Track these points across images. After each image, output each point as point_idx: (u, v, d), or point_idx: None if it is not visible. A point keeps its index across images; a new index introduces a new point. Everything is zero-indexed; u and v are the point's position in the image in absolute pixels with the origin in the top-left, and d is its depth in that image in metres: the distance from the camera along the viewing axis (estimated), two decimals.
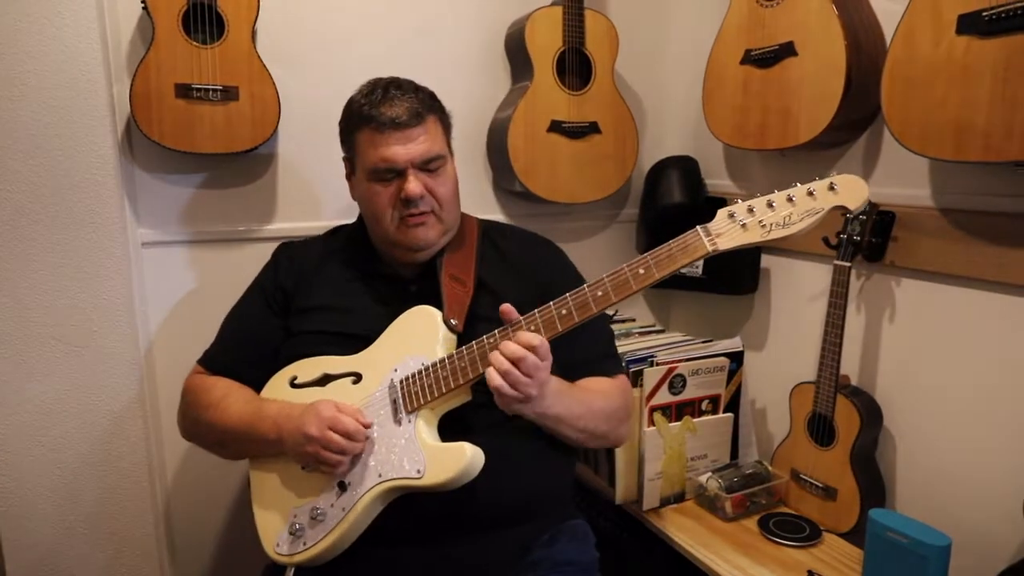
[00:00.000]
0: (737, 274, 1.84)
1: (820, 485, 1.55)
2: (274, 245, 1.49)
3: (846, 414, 1.49)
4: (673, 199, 1.93)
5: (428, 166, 1.29)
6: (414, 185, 1.26)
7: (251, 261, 1.66)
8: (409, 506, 1.18)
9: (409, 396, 1.19)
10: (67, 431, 1.52)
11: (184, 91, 1.48)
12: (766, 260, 1.83)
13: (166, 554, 1.68)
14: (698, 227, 1.06)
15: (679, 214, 1.94)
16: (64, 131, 1.43)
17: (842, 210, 1.02)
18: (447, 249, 1.36)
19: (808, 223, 1.01)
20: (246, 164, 1.68)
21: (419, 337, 1.24)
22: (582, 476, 1.74)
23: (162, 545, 1.66)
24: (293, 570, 1.20)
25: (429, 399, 1.18)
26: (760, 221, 1.03)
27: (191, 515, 1.76)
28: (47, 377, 1.49)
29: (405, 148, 1.26)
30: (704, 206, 1.95)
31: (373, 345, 1.29)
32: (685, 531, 1.56)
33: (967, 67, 1.20)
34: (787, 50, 1.53)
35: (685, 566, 1.50)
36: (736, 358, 1.71)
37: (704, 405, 1.69)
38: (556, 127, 1.81)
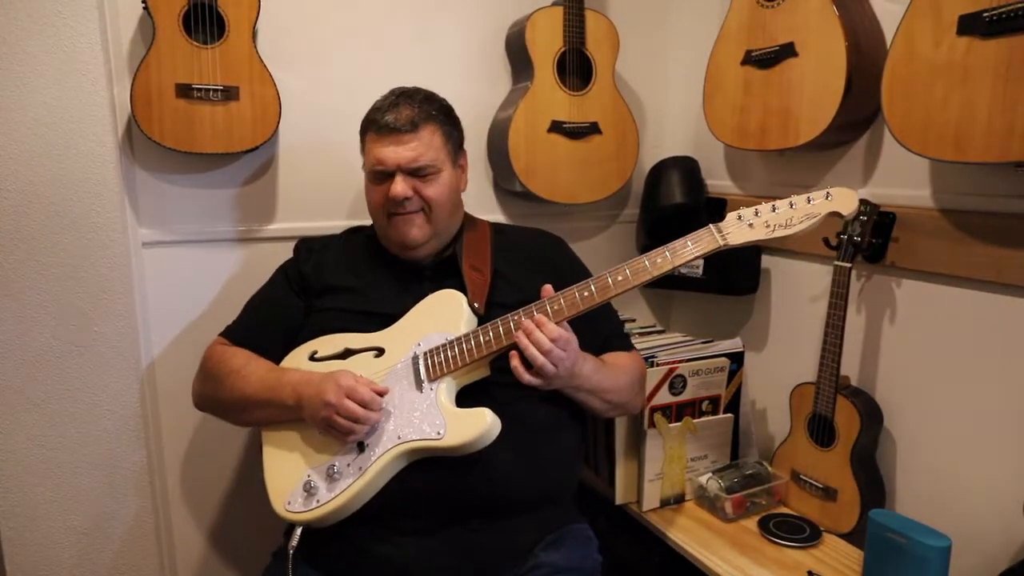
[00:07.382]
0: (737, 275, 1.84)
1: (820, 486, 1.55)
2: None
3: (846, 415, 1.49)
4: (674, 199, 1.93)
5: (417, 172, 1.35)
6: (398, 186, 1.34)
7: (251, 261, 1.67)
8: (417, 487, 1.21)
9: (432, 366, 1.26)
10: (67, 431, 1.52)
11: (185, 91, 1.48)
12: (766, 261, 1.83)
13: (166, 554, 1.69)
14: (711, 225, 1.20)
15: (680, 214, 1.94)
16: (64, 131, 1.43)
17: (836, 215, 1.17)
18: (465, 242, 1.44)
19: (807, 225, 1.17)
20: (246, 164, 1.68)
21: (444, 316, 1.31)
22: (582, 477, 1.74)
23: (162, 545, 1.66)
24: (300, 531, 1.21)
25: (452, 368, 1.24)
26: (765, 222, 1.18)
27: (191, 515, 1.76)
28: (47, 377, 1.49)
29: (395, 151, 1.34)
30: (705, 206, 1.95)
31: (396, 324, 1.35)
32: (685, 532, 1.56)
33: (968, 68, 1.20)
34: (788, 51, 1.53)
35: (685, 567, 1.50)
36: (736, 359, 1.71)
37: (704, 406, 1.69)
38: (556, 127, 1.81)
